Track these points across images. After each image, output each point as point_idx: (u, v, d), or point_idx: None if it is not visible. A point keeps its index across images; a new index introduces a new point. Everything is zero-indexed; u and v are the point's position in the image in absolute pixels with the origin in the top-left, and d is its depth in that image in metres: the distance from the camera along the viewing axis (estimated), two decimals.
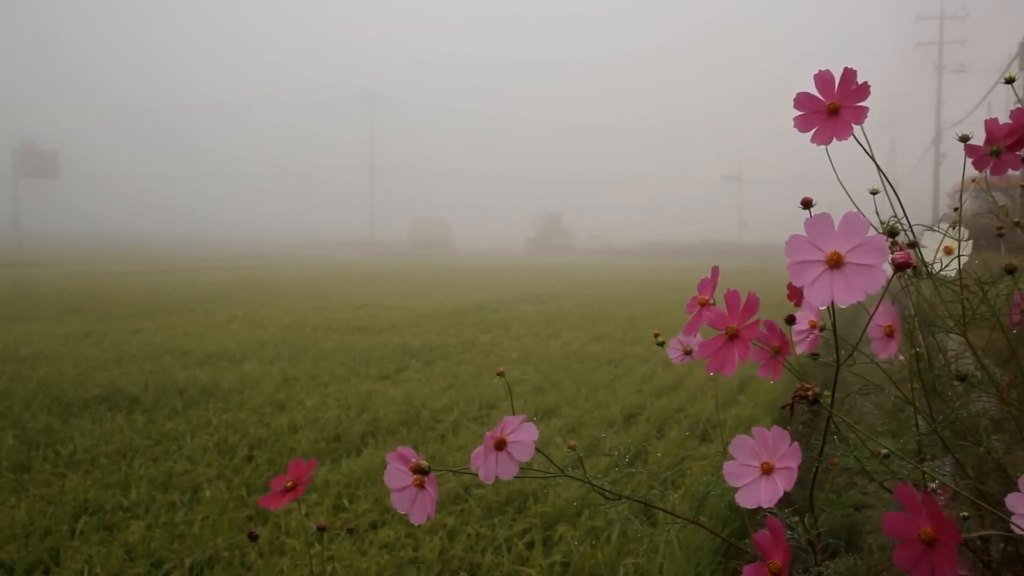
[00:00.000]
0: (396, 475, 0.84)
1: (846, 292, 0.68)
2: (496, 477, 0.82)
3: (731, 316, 0.84)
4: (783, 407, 0.87)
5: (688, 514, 1.01)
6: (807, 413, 3.49)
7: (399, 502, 0.84)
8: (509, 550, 2.46)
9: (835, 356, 0.84)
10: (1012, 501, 0.67)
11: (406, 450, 0.84)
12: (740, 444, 0.80)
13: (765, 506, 0.76)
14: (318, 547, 2.45)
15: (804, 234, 0.71)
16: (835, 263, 0.69)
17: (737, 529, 2.45)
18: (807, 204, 0.83)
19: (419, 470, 0.82)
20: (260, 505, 0.94)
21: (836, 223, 0.71)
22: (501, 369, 0.98)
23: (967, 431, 1.09)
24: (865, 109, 0.81)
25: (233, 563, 2.36)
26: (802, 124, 0.83)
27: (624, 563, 2.27)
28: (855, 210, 0.88)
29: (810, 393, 0.78)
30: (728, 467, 0.80)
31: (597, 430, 3.87)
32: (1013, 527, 0.66)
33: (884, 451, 0.92)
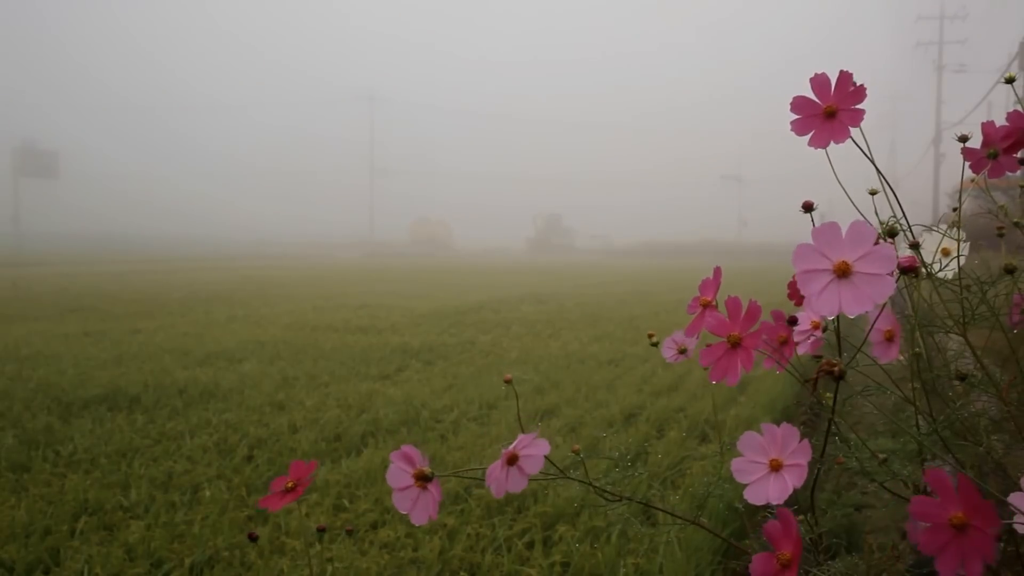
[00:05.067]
0: (398, 475, 0.84)
1: (855, 302, 0.67)
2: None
3: (732, 323, 0.84)
4: (805, 381, 0.86)
5: (688, 515, 1.01)
6: (806, 413, 3.44)
7: (400, 502, 0.83)
8: (509, 550, 2.46)
9: (839, 357, 0.84)
10: (1016, 499, 0.67)
11: (409, 449, 0.84)
12: (748, 441, 0.79)
13: (774, 503, 0.76)
14: (318, 547, 2.45)
15: (811, 243, 0.70)
16: (843, 272, 0.68)
17: (736, 530, 2.45)
18: (808, 208, 0.83)
19: (422, 477, 0.82)
20: (260, 506, 0.94)
21: (843, 230, 0.70)
22: (509, 376, 0.98)
23: (967, 431, 1.09)
24: (862, 112, 0.80)
25: (233, 563, 2.36)
26: (799, 128, 0.82)
27: (624, 563, 2.27)
28: (856, 211, 0.88)
29: (836, 369, 0.77)
30: (736, 463, 0.79)
31: (597, 430, 3.87)
32: (1016, 525, 0.66)
33: (883, 456, 0.92)
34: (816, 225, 0.71)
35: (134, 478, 3.10)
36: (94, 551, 2.41)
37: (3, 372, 5.28)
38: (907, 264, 0.75)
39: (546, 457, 0.88)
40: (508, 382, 0.96)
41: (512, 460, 0.82)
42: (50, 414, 4.11)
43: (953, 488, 0.64)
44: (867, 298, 0.67)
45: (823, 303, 0.68)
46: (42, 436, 3.67)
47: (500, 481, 0.82)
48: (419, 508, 0.83)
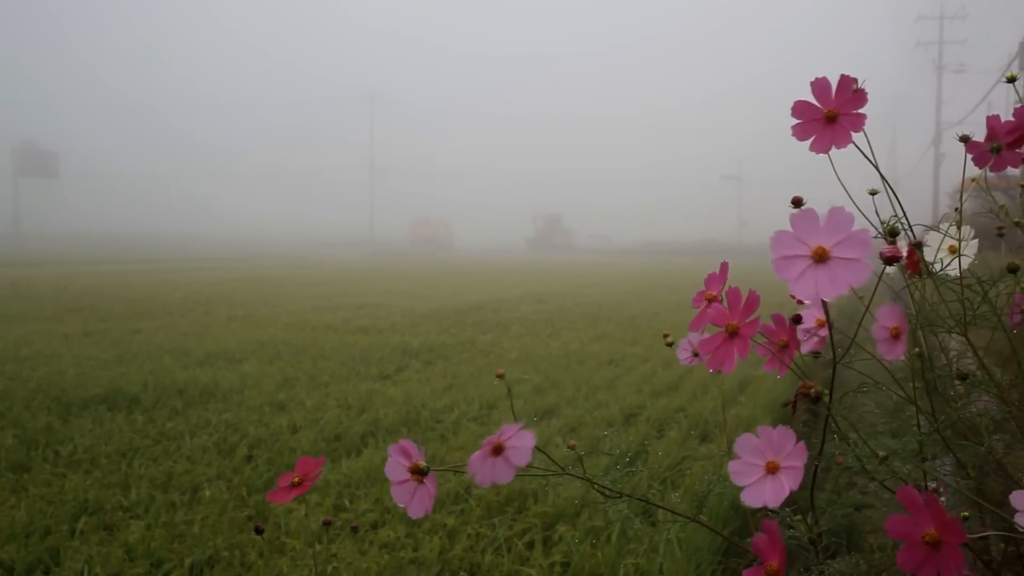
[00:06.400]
0: (396, 468, 0.85)
1: (831, 286, 0.69)
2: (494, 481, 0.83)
3: (732, 313, 0.84)
4: (785, 404, 0.87)
5: (689, 512, 1.01)
6: (807, 413, 3.46)
7: (399, 495, 0.84)
8: (509, 550, 2.46)
9: (832, 354, 0.84)
10: (1016, 499, 0.67)
11: (407, 443, 0.85)
12: (745, 443, 0.80)
13: (771, 506, 0.76)
14: (319, 546, 2.45)
15: (790, 229, 0.71)
16: (820, 257, 0.69)
17: (738, 528, 2.45)
18: (797, 203, 0.83)
19: (417, 471, 0.82)
20: (267, 500, 0.95)
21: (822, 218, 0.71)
22: (501, 371, 0.98)
23: (968, 431, 1.09)
24: (863, 116, 0.80)
25: (233, 563, 2.36)
26: (800, 132, 0.83)
27: (624, 563, 2.27)
28: (857, 212, 0.88)
29: (812, 391, 0.78)
30: (733, 466, 0.80)
31: (597, 430, 3.87)
32: (1016, 524, 0.66)
33: (883, 453, 0.92)
34: None
35: (134, 478, 3.10)
36: (94, 551, 2.41)
37: (3, 372, 5.28)
38: (889, 255, 0.75)
39: (547, 455, 0.88)
40: (500, 377, 0.96)
41: (498, 451, 0.82)
42: (50, 414, 4.11)
43: (923, 505, 0.65)
44: (843, 282, 0.68)
45: (801, 287, 0.69)
46: (42, 436, 3.67)
47: (485, 471, 0.82)
48: (416, 501, 0.84)
